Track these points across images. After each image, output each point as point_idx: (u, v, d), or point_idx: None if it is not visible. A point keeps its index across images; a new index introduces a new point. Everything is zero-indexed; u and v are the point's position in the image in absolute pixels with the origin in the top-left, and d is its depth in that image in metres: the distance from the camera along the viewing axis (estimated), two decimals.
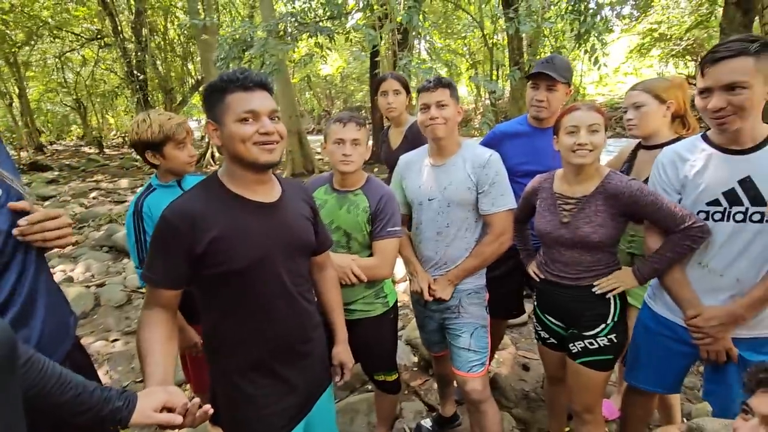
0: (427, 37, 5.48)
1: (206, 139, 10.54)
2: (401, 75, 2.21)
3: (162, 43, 11.73)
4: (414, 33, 5.35)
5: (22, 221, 0.90)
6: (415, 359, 2.63)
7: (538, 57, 7.19)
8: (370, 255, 1.55)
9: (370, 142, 1.55)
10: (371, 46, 4.41)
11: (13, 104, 15.20)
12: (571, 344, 1.47)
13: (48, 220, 0.95)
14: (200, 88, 12.15)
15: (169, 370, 0.97)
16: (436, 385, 2.34)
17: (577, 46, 5.11)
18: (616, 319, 1.43)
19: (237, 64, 6.12)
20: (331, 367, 1.36)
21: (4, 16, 10.68)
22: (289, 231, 1.11)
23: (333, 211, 1.52)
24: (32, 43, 12.36)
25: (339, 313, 1.38)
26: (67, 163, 11.80)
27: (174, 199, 1.03)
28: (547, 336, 1.60)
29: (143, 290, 3.78)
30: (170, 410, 0.85)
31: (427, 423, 2.03)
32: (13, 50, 12.34)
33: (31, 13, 11.04)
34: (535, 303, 1.64)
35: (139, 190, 1.63)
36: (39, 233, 0.93)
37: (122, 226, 5.45)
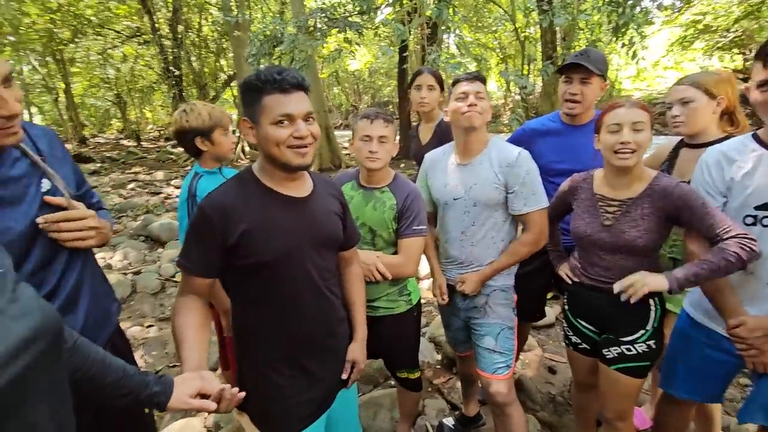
0: (457, 31, 5.39)
1: (236, 133, 10.81)
2: (437, 71, 2.18)
3: (196, 39, 12.07)
4: (443, 27, 5.28)
5: (39, 219, 0.93)
6: (439, 357, 2.62)
7: (572, 51, 6.94)
8: (395, 252, 1.55)
9: (398, 139, 1.55)
10: (400, 41, 4.39)
11: (59, 99, 16.06)
12: (606, 350, 1.43)
13: (69, 220, 0.98)
14: (232, 84, 12.46)
15: (203, 355, 1.00)
16: (459, 384, 2.33)
17: (614, 39, 4.90)
18: (655, 325, 1.37)
19: (267, 60, 6.23)
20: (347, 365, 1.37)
21: (52, 15, 11.27)
22: (318, 226, 1.12)
23: (359, 207, 1.53)
24: (77, 40, 12.99)
25: (360, 309, 1.38)
26: (108, 155, 12.37)
27: (211, 191, 1.06)
28: (579, 341, 1.55)
29: (176, 279, 3.94)
30: (204, 396, 0.88)
31: (449, 421, 2.02)
32: (59, 47, 13.01)
33: (76, 12, 11.59)
34: (566, 307, 1.59)
35: (186, 177, 1.70)
36: (55, 232, 0.96)
37: (158, 216, 5.68)
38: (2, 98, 0.81)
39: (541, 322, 2.91)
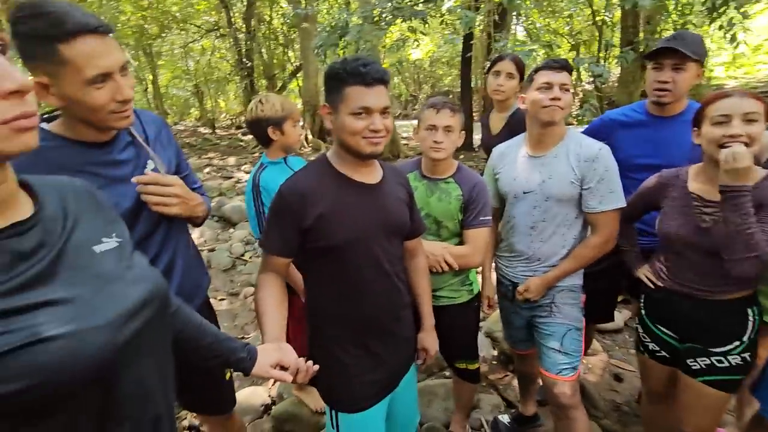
0: (528, 17, 5.14)
1: (300, 122, 11.22)
2: (520, 59, 2.08)
3: (267, 32, 12.65)
4: (514, 13, 5.06)
5: (134, 178, 1.02)
6: (495, 353, 2.58)
7: (656, 36, 6.32)
8: (459, 242, 1.55)
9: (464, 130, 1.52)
10: (467, 28, 4.27)
11: (148, 89, 17.68)
12: (691, 360, 1.32)
13: (157, 184, 1.04)
14: (298, 74, 12.90)
15: (282, 328, 1.09)
16: (515, 382, 2.28)
17: (708, 21, 4.38)
18: (752, 336, 1.25)
19: (333, 51, 6.38)
20: (416, 351, 1.40)
21: (143, 13, 12.38)
22: (387, 212, 1.16)
23: (423, 198, 1.53)
24: (163, 35, 14.16)
25: (427, 300, 1.41)
26: (188, 141, 13.45)
27: (290, 176, 1.13)
28: (656, 348, 1.45)
29: (245, 258, 4.23)
30: (283, 367, 0.96)
31: (504, 418, 1.99)
32: (149, 42, 14.27)
33: (164, 9, 12.63)
34: (643, 311, 1.49)
35: (253, 169, 1.80)
36: (144, 193, 1.02)
37: (230, 199, 6.10)
38: (119, 84, 0.91)
39: (607, 327, 2.75)
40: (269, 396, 2.27)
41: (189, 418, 2.07)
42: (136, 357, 0.60)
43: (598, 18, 8.21)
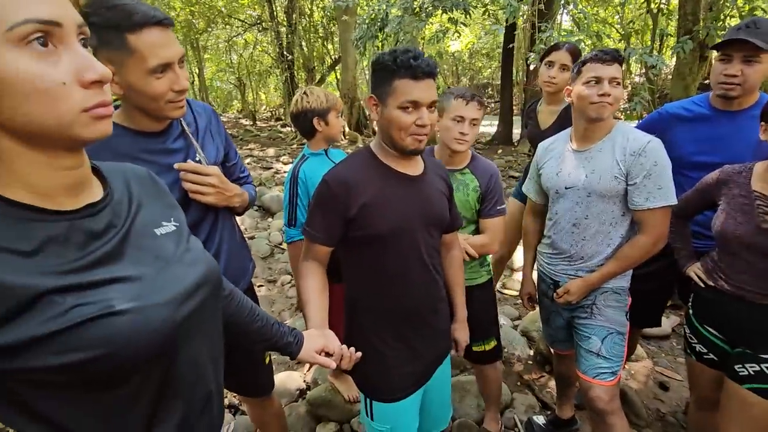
0: (573, 5, 4.90)
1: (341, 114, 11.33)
2: (578, 49, 1.96)
3: (308, 25, 12.82)
4: (562, 1, 4.83)
5: (176, 165, 1.06)
6: (531, 352, 2.52)
7: (720, 23, 5.84)
8: (475, 230, 1.58)
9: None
10: (511, 18, 4.13)
11: (194, 82, 18.46)
12: (739, 365, 1.24)
13: (195, 173, 1.07)
14: (336, 67, 13.01)
15: (325, 315, 1.12)
16: (552, 383, 2.22)
17: None
18: None
19: (372, 43, 6.37)
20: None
21: (191, 8, 12.88)
22: (429, 204, 1.16)
23: None
24: (209, 29, 14.68)
25: (461, 292, 1.42)
26: (230, 132, 13.91)
27: (334, 166, 1.15)
28: (704, 350, 1.37)
29: (282, 246, 4.35)
30: (327, 354, 0.99)
31: (539, 419, 1.95)
32: (196, 36, 14.84)
33: (210, 4, 13.07)
34: (691, 311, 1.42)
35: (295, 159, 1.85)
36: (183, 180, 1.07)
37: (269, 189, 6.28)
38: (177, 75, 0.96)
39: (653, 332, 2.62)
40: (304, 381, 2.33)
41: (229, 398, 2.17)
42: (191, 336, 0.63)
43: (653, 5, 7.70)
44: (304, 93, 1.77)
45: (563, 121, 1.89)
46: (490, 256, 1.72)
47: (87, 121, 0.50)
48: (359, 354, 1.04)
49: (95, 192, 0.59)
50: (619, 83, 1.33)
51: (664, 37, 8.30)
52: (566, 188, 1.47)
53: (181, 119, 1.10)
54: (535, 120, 2.14)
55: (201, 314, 0.65)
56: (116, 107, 1.06)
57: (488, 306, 1.70)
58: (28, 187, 0.51)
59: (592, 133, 1.42)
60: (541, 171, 1.59)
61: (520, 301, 3.04)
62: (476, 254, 1.51)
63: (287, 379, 2.30)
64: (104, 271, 0.54)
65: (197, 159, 1.12)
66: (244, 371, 1.34)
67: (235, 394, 2.17)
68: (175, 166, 1.05)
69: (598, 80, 1.32)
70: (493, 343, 1.70)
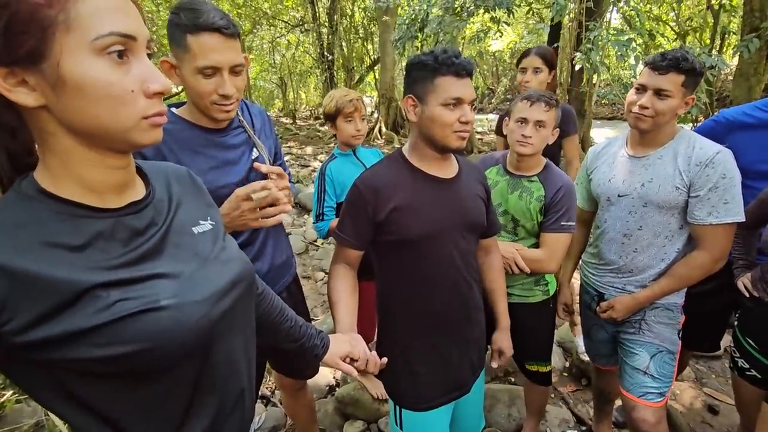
0: (629, 2, 4.66)
1: (375, 115, 11.39)
2: (548, 52, 2.08)
3: (348, 25, 12.98)
4: None
5: (256, 165, 1.07)
6: (566, 364, 2.43)
7: None
8: (535, 244, 1.47)
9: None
10: (558, 16, 3.99)
11: None
12: None
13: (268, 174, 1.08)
14: (375, 67, 13.09)
15: (353, 318, 1.12)
16: (588, 397, 2.13)
17: None
18: None
19: (411, 43, 6.35)
20: (490, 351, 1.36)
21: (238, 10, 13.38)
22: (463, 208, 1.13)
23: (503, 194, 1.48)
24: (254, 31, 15.19)
25: (502, 299, 1.36)
26: None
27: (365, 170, 1.16)
28: (746, 366, 1.29)
29: (317, 243, 4.42)
30: (351, 360, 0.99)
31: None
32: (243, 37, 15.41)
33: (255, 6, 13.52)
34: (737, 324, 1.33)
35: (327, 157, 1.89)
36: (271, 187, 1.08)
37: (306, 186, 6.41)
38: (224, 80, 1.01)
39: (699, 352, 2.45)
40: (334, 378, 2.36)
41: (261, 390, 2.24)
42: (226, 332, 0.64)
43: (713, 1, 7.19)
44: (327, 96, 1.80)
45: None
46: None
47: (145, 127, 0.53)
48: (384, 360, 1.04)
49: (138, 191, 0.62)
50: (668, 96, 1.23)
51: (726, 36, 7.73)
52: (619, 196, 1.40)
53: (242, 118, 1.17)
54: None
55: (236, 312, 0.66)
56: (178, 105, 1.14)
57: (544, 327, 1.60)
58: (81, 184, 0.54)
59: (649, 140, 1.34)
60: (591, 176, 1.52)
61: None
62: (526, 268, 1.41)
63: (318, 375, 2.34)
64: (146, 267, 0.57)
65: (255, 156, 1.17)
66: (293, 354, 1.37)
67: (267, 386, 2.23)
68: (255, 166, 1.09)
69: (642, 89, 1.26)
70: (549, 368, 1.63)
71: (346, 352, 0.98)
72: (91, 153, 0.54)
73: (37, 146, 0.54)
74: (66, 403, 0.54)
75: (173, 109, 1.12)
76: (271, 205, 1.06)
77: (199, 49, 0.97)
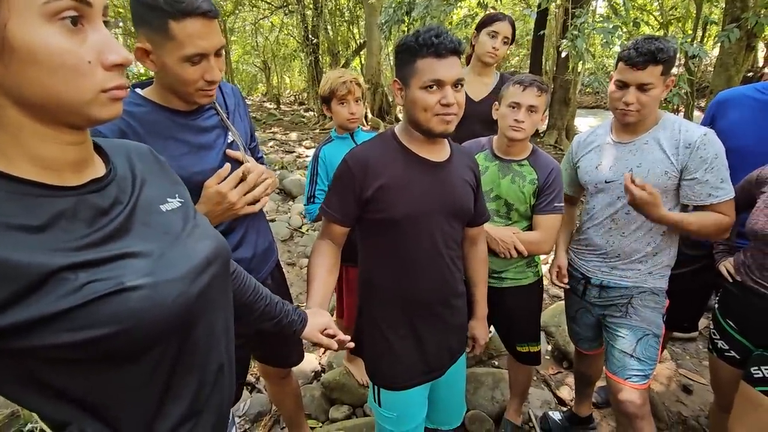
0: None
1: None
2: (514, 22, 1.93)
3: (333, 8, 12.68)
4: None
5: (228, 152, 1.08)
6: (549, 347, 2.48)
7: None
8: (528, 227, 1.48)
9: (547, 112, 1.43)
10: (546, 2, 3.97)
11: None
12: (755, 368, 1.20)
13: (244, 168, 1.05)
14: (361, 52, 12.88)
15: (328, 294, 1.11)
16: (569, 380, 2.18)
17: None
18: None
19: (398, 27, 6.24)
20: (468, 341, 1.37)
21: None
22: (451, 192, 1.12)
23: (493, 179, 1.47)
24: (236, 12, 14.72)
25: (483, 289, 1.38)
26: (254, 115, 14.07)
27: (356, 146, 1.13)
28: (725, 347, 1.33)
29: (302, 230, 4.38)
30: (329, 336, 0.98)
31: (555, 415, 1.92)
32: (224, 18, 14.92)
33: None
34: (717, 306, 1.37)
35: (323, 141, 1.85)
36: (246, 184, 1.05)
37: (291, 172, 6.32)
38: (211, 66, 0.97)
39: (678, 333, 2.53)
40: (319, 364, 2.36)
41: (246, 376, 2.22)
42: (206, 309, 0.63)
43: None
44: (324, 76, 1.75)
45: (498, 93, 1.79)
46: (542, 257, 1.63)
47: (104, 101, 0.50)
48: (352, 345, 1.04)
49: (98, 168, 0.59)
50: (651, 87, 1.23)
51: (708, 26, 7.83)
52: (606, 182, 1.41)
53: (214, 101, 1.10)
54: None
55: (213, 289, 0.65)
56: (143, 85, 1.06)
57: (536, 308, 1.63)
58: (34, 161, 0.50)
59: (634, 127, 1.35)
60: (578, 165, 1.52)
61: None
62: (525, 251, 1.42)
63: (303, 361, 2.33)
64: (115, 247, 0.54)
65: (230, 140, 1.12)
66: (276, 343, 1.36)
67: (252, 373, 2.22)
68: (228, 152, 1.08)
69: (624, 85, 1.26)
70: (538, 347, 1.65)
71: (325, 324, 0.98)
72: (42, 127, 0.50)
73: None
74: (38, 393, 0.51)
75: (138, 90, 1.03)
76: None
77: (186, 36, 0.90)
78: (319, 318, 0.99)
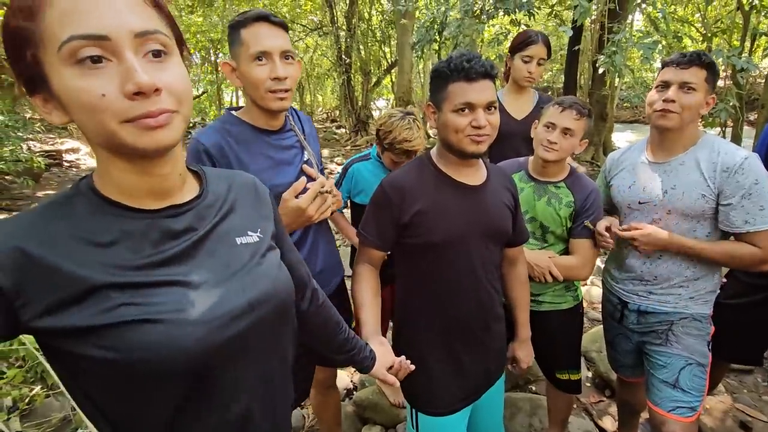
0: (655, 4, 4.55)
1: None
2: (548, 39, 1.93)
3: (366, 29, 13.04)
4: (638, 1, 4.51)
5: (304, 167, 1.20)
6: (590, 374, 2.37)
7: None
8: (564, 250, 1.44)
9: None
10: (582, 18, 3.92)
11: None
12: None
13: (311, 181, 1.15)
14: (392, 70, 13.11)
15: (378, 319, 1.12)
16: (611, 409, 2.07)
17: None
18: None
19: (430, 46, 6.33)
20: (506, 362, 1.34)
21: None
22: (487, 215, 1.12)
23: (529, 201, 1.45)
24: None
25: (525, 310, 1.35)
26: None
27: (393, 172, 1.16)
28: None
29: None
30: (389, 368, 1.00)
31: None
32: None
33: (275, 11, 13.73)
34: None
35: (358, 154, 1.90)
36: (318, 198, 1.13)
37: None
38: (276, 65, 1.07)
39: (735, 365, 2.36)
40: (351, 381, 2.36)
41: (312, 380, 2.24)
42: (235, 356, 0.59)
43: (744, 1, 6.97)
44: (388, 117, 1.66)
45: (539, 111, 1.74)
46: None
47: (134, 130, 0.49)
48: (412, 367, 1.04)
49: (186, 194, 0.61)
50: (693, 89, 1.21)
51: (756, 37, 7.48)
52: (640, 203, 1.36)
53: (291, 121, 1.22)
54: (504, 112, 1.95)
55: (252, 335, 0.60)
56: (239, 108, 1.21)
57: (574, 334, 1.58)
58: (117, 187, 0.55)
59: (671, 143, 1.31)
60: (611, 183, 1.49)
61: None
62: (560, 277, 1.39)
63: (336, 378, 2.34)
64: (169, 272, 0.55)
65: (306, 158, 1.22)
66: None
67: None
68: (304, 168, 1.20)
69: (666, 85, 1.23)
70: (579, 375, 1.59)
71: (390, 361, 0.99)
72: (118, 160, 0.53)
73: None
74: (78, 391, 0.55)
75: (233, 112, 1.19)
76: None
77: (251, 37, 1.05)
78: (387, 355, 1.00)
